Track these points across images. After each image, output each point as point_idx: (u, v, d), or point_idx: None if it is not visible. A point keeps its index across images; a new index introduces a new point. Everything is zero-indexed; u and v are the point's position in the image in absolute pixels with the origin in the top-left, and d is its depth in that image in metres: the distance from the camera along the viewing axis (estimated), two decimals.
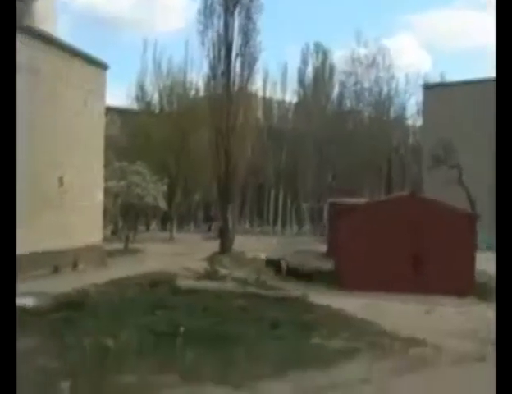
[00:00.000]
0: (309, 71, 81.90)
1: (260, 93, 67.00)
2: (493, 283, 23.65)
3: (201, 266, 23.32)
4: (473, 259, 21.82)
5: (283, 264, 26.31)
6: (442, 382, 10.85)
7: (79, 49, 25.19)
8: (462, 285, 20.91)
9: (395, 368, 11.42)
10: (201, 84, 57.57)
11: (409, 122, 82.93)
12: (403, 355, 12.47)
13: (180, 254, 32.36)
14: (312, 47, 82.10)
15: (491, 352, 12.93)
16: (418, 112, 76.71)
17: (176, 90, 60.50)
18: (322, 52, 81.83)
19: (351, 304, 18.01)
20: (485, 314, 17.85)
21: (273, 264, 27.05)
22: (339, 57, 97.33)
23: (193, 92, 61.73)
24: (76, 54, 24.90)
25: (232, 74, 34.42)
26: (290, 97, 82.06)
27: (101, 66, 27.20)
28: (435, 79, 77.25)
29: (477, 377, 11.29)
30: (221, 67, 34.47)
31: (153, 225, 60.73)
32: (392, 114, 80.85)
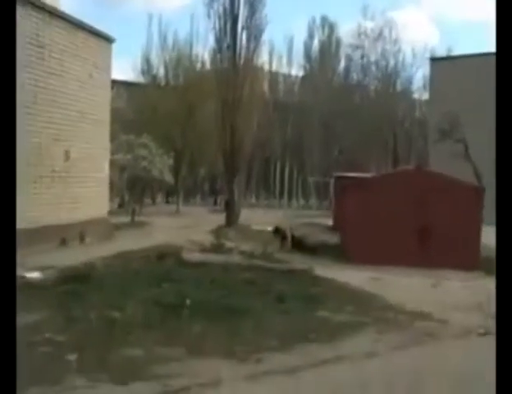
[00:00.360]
0: (315, 44, 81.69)
1: (266, 67, 66.84)
2: None
3: (207, 239, 23.36)
4: (479, 233, 21.75)
5: (288, 233, 26.24)
6: (446, 355, 10.86)
7: (84, 22, 25.09)
8: (468, 259, 20.87)
9: (400, 342, 11.44)
10: (207, 57, 57.64)
11: (416, 96, 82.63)
12: (408, 328, 12.49)
13: (186, 227, 32.42)
14: (318, 20, 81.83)
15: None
16: (424, 86, 76.41)
17: (182, 63, 60.34)
18: (329, 26, 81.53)
19: (357, 277, 18.03)
20: (491, 288, 17.85)
21: (279, 234, 27.04)
22: (345, 31, 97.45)
23: (199, 65, 61.63)
24: (81, 27, 24.79)
25: (238, 47, 34.35)
26: (296, 70, 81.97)
27: (106, 39, 27.10)
28: (442, 52, 76.89)
29: (482, 350, 11.29)
30: (227, 40, 34.40)
31: (160, 198, 60.84)
32: (398, 88, 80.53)
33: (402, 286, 17.59)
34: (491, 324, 13.06)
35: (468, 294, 17.00)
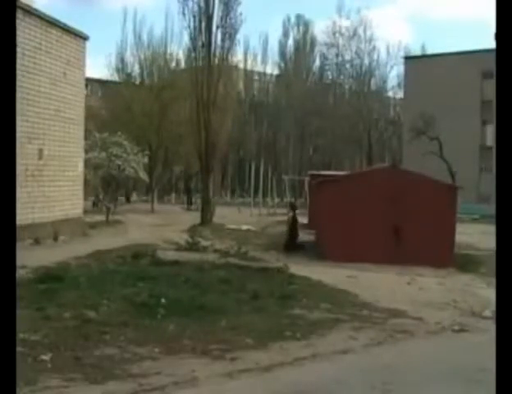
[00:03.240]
0: (290, 43, 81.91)
1: (241, 66, 66.90)
2: (473, 253, 23.94)
3: (182, 237, 23.31)
4: (453, 231, 21.91)
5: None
6: (421, 352, 10.91)
7: (58, 20, 24.94)
8: (442, 256, 21.01)
9: (374, 339, 11.48)
10: (182, 55, 57.59)
11: (390, 94, 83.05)
12: (382, 325, 12.54)
13: (161, 226, 32.39)
14: (293, 18, 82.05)
15: (470, 323, 13.10)
16: (399, 85, 76.83)
17: (156, 62, 60.24)
18: (304, 24, 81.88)
19: (332, 275, 18.08)
20: (464, 286, 18.00)
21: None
22: (320, 29, 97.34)
23: (173, 64, 61.56)
24: (55, 25, 24.65)
25: (213, 45, 34.36)
26: (271, 69, 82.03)
27: (80, 36, 26.97)
28: (416, 51, 77.41)
29: (457, 347, 11.37)
30: (202, 38, 34.36)
31: (134, 197, 60.65)
32: (373, 86, 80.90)
33: (377, 283, 17.65)
34: (465, 321, 13.19)
35: (441, 290, 17.12)
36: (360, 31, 76.98)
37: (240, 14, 34.61)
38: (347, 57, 79.07)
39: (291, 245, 24.26)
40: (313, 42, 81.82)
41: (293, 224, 25.05)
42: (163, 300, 12.79)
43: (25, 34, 22.39)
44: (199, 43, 34.51)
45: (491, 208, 49.59)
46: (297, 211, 26.29)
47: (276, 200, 53.45)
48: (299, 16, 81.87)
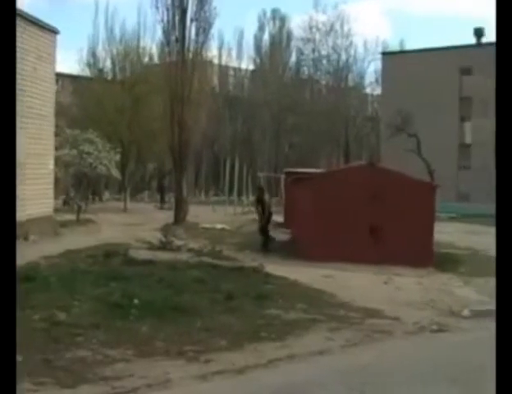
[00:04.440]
0: (266, 37, 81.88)
1: (216, 61, 66.81)
2: (452, 252, 24.09)
3: (155, 236, 23.27)
4: (431, 230, 21.98)
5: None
6: (399, 352, 10.99)
7: (27, 13, 24.78)
8: (420, 255, 21.07)
9: (351, 339, 11.54)
10: (155, 50, 57.41)
11: (368, 91, 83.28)
12: (359, 325, 12.60)
13: (133, 225, 32.31)
14: (269, 13, 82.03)
15: (449, 322, 13.21)
16: (376, 81, 77.03)
17: (129, 57, 59.94)
18: (280, 19, 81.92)
19: (308, 274, 18.11)
20: (442, 285, 18.11)
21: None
22: (296, 24, 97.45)
23: (146, 58, 61.36)
24: (25, 18, 24.47)
25: (187, 40, 34.22)
26: (247, 64, 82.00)
27: (51, 30, 26.80)
28: (394, 47, 77.74)
29: (435, 347, 11.47)
30: (176, 33, 34.21)
31: (106, 195, 60.41)
32: (350, 82, 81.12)
33: (354, 283, 17.71)
34: (444, 321, 13.29)
35: (419, 290, 17.21)
36: (337, 26, 77.23)
37: (215, 8, 34.57)
38: (324, 53, 79.25)
39: (266, 229, 24.32)
40: (290, 37, 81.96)
41: (262, 206, 24.98)
42: (136, 301, 12.79)
43: None
44: (173, 38, 34.37)
45: (470, 207, 50.08)
46: (266, 197, 26.05)
47: (252, 198, 53.39)
48: (274, 11, 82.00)
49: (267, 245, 24.09)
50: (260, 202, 25.18)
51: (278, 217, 33.62)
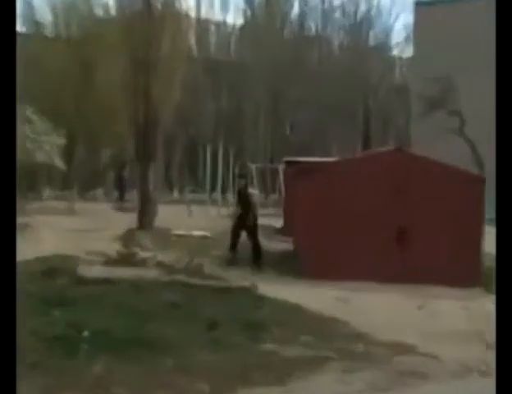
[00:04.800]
0: None
1: (193, 13, 66.67)
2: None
3: (113, 247, 23.29)
4: (479, 237, 21.91)
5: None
6: None
7: None
8: (465, 271, 21.04)
9: (373, 384, 11.53)
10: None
11: (395, 53, 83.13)
12: (384, 365, 12.60)
13: (83, 231, 32.23)
14: None
15: None
16: (406, 40, 76.87)
17: (76, 8, 59.75)
18: None
19: (316, 297, 18.14)
20: (494, 311, 18.09)
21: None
22: None
23: (100, 10, 61.17)
24: None
25: None
26: (234, 18, 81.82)
27: None
28: None
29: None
30: None
31: (47, 191, 60.30)
32: (372, 42, 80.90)
33: (376, 307, 17.71)
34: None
35: (464, 318, 17.20)
36: None
37: None
38: (337, 2, 79.18)
39: (255, 235, 24.42)
40: None
41: (246, 199, 25.04)
42: (86, 333, 12.78)
43: None
44: None
45: None
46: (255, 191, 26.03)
47: None
48: None
49: (259, 257, 24.12)
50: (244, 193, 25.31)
51: (276, 222, 33.67)
